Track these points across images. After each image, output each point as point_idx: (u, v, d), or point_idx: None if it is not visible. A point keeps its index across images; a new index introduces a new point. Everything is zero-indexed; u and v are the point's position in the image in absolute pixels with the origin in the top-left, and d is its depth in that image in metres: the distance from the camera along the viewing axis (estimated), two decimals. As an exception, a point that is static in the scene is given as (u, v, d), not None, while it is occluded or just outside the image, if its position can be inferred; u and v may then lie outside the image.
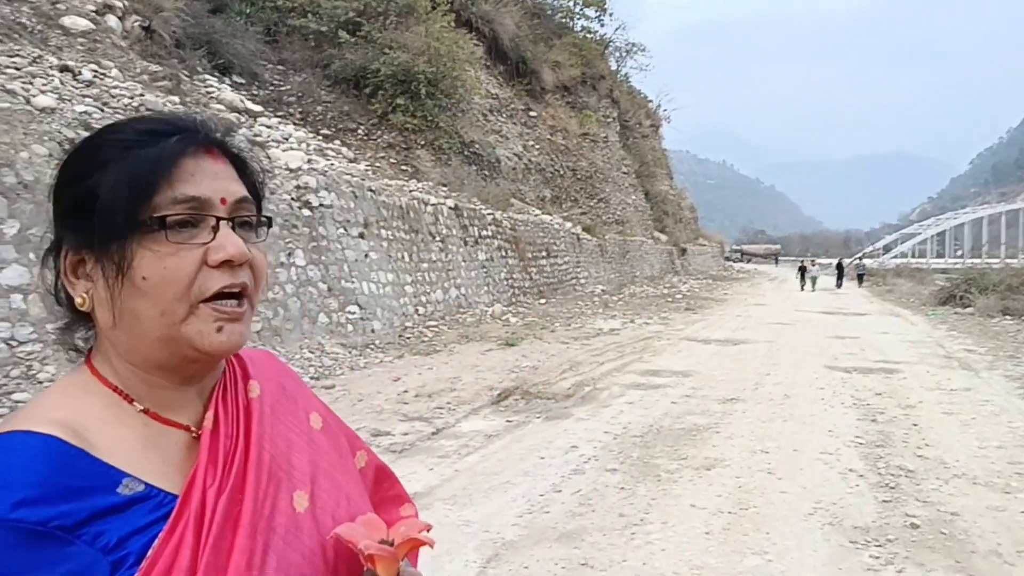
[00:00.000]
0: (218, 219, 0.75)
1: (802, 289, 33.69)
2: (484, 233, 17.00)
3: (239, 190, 0.78)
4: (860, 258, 55.10)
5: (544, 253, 20.76)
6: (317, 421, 0.90)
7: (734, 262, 71.08)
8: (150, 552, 0.67)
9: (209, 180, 0.75)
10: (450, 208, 15.56)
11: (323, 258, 10.82)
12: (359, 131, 18.09)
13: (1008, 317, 17.73)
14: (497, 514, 4.49)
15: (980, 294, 21.42)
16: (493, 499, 4.77)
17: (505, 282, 17.63)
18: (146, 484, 0.71)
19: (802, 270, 36.08)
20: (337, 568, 0.79)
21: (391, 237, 12.79)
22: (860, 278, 40.30)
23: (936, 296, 25.03)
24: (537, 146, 26.62)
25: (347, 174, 12.74)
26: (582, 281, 23.51)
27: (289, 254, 10.17)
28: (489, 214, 17.67)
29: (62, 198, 0.78)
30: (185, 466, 0.75)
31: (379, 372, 9.26)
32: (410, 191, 14.79)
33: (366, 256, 11.84)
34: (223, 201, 0.75)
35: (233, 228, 0.76)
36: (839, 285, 37.72)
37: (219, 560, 0.69)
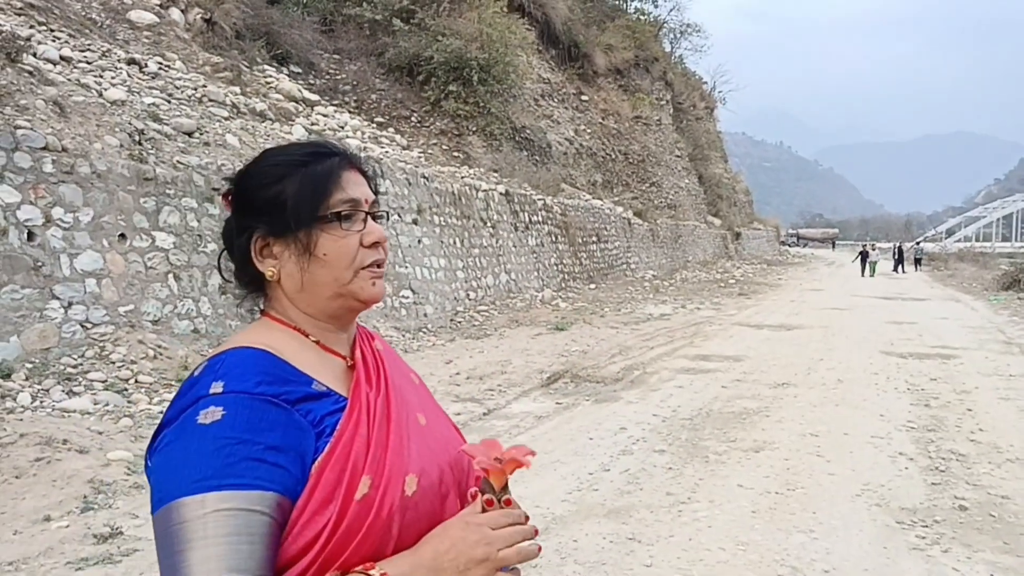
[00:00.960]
0: (367, 213, 1.05)
1: (863, 275, 32.01)
2: (534, 219, 17.11)
3: (372, 194, 1.08)
4: (919, 242, 53.47)
5: (594, 238, 20.78)
6: (415, 379, 1.19)
7: (790, 247, 69.75)
8: (339, 427, 0.94)
9: (357, 187, 1.05)
10: (501, 194, 15.71)
11: (378, 243, 11.08)
12: (412, 118, 18.33)
13: (1076, 302, 17.16)
14: (548, 491, 4.64)
15: (1047, 279, 20.70)
16: (544, 477, 4.92)
17: (555, 267, 17.74)
18: (327, 387, 0.99)
19: (863, 255, 34.30)
20: (453, 469, 1.06)
21: (443, 223, 13.01)
22: (918, 262, 39.19)
23: (999, 281, 24.28)
24: (588, 130, 26.54)
25: (401, 161, 12.98)
26: (632, 266, 23.46)
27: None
28: (539, 199, 17.77)
29: (250, 204, 1.04)
30: (346, 382, 1.03)
31: (432, 355, 9.49)
32: (462, 177, 14.98)
33: (419, 242, 12.08)
34: (367, 201, 1.05)
35: (372, 220, 1.06)
36: (897, 269, 36.71)
37: (382, 438, 0.97)
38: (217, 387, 0.90)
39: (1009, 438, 6.01)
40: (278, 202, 1.01)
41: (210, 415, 0.87)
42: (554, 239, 18.05)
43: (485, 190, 15.08)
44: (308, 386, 0.96)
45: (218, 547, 0.81)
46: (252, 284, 1.06)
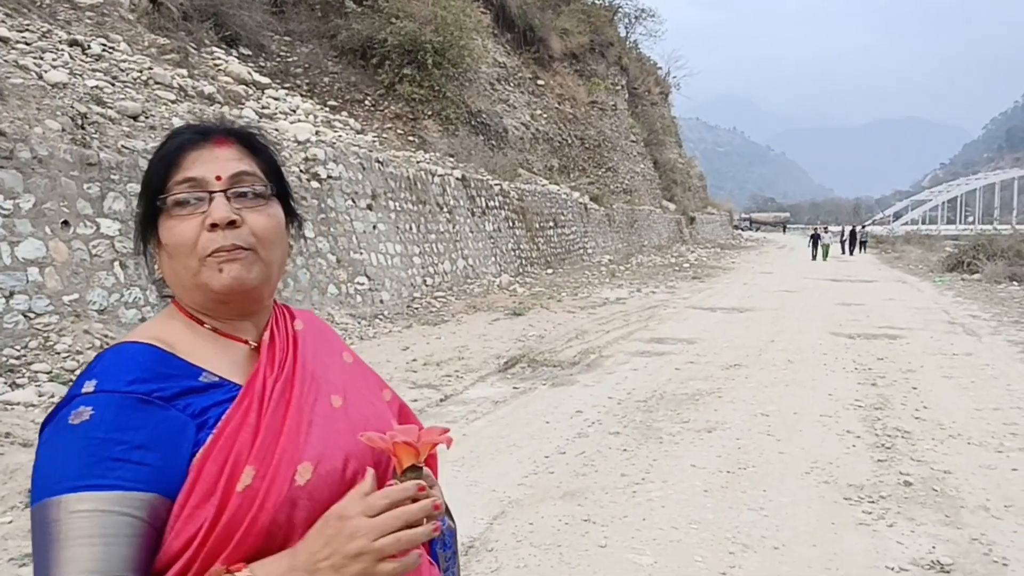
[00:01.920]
0: (210, 192, 0.95)
1: (814, 259, 31.91)
2: (491, 204, 17.08)
3: (238, 167, 0.98)
4: (864, 225, 54.55)
5: (551, 223, 20.83)
6: (348, 358, 1.13)
7: (743, 230, 70.86)
8: (225, 415, 0.91)
9: (208, 163, 0.96)
10: (457, 179, 15.64)
11: (332, 230, 10.95)
12: (366, 102, 18.11)
13: (1015, 283, 17.77)
14: (504, 475, 4.66)
15: (988, 260, 21.40)
16: (500, 461, 4.94)
17: (512, 252, 17.75)
18: (219, 377, 0.95)
19: (814, 238, 34.15)
20: (367, 453, 0.98)
21: (399, 208, 12.90)
22: (863, 244, 40.06)
23: (944, 263, 25.01)
24: (545, 115, 26.53)
25: (355, 145, 12.82)
26: (589, 251, 23.59)
27: (299, 226, 10.29)
28: (496, 184, 17.74)
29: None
30: (247, 368, 0.98)
31: (388, 342, 9.43)
32: (417, 162, 14.86)
33: (374, 227, 11.97)
34: (219, 178, 0.96)
35: (234, 198, 0.96)
36: (846, 252, 37.54)
37: (274, 424, 0.92)
38: (89, 386, 0.88)
39: (951, 415, 6.20)
40: (142, 193, 0.99)
41: (79, 415, 0.85)
42: (511, 224, 18.05)
43: (441, 175, 14.99)
44: (195, 378, 0.93)
45: (75, 549, 0.79)
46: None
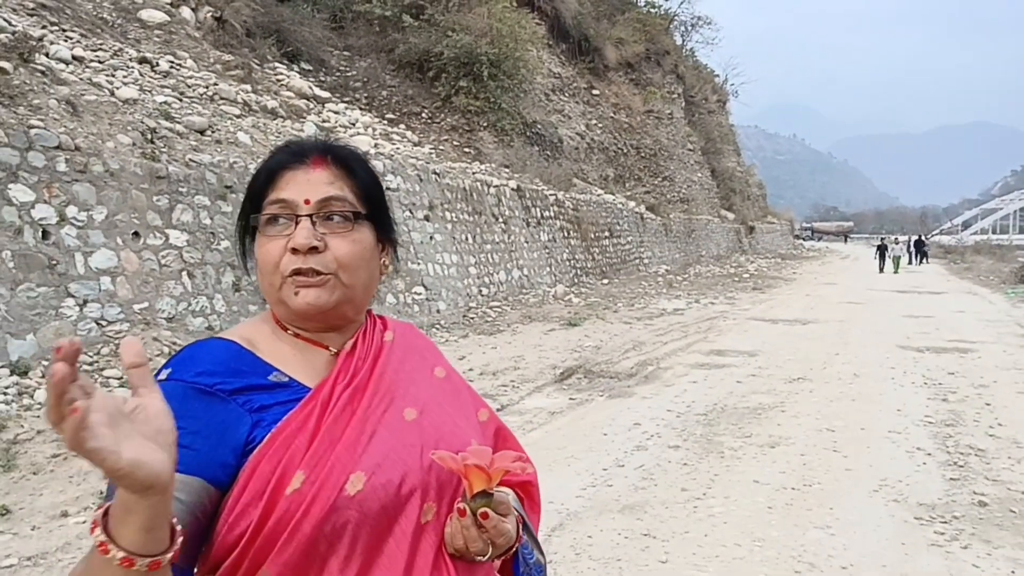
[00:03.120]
0: (297, 216, 0.98)
1: (881, 271, 29.64)
2: (546, 214, 17.08)
3: (329, 191, 1.00)
4: (926, 236, 52.42)
5: (607, 233, 20.71)
6: (440, 372, 1.13)
7: (804, 240, 69.34)
8: (286, 417, 0.93)
9: (299, 186, 0.99)
10: (512, 189, 15.69)
11: (390, 240, 11.08)
12: (423, 114, 18.32)
13: (1096, 295, 16.96)
14: (562, 487, 4.62)
15: (1066, 271, 20.48)
16: (557, 472, 4.90)
17: (567, 263, 17.70)
18: (290, 378, 0.98)
19: (881, 249, 31.35)
20: (431, 471, 0.98)
21: (455, 219, 12.99)
22: (924, 255, 38.17)
23: (1017, 274, 24.05)
24: (600, 125, 26.45)
25: (412, 157, 12.97)
26: (646, 261, 23.38)
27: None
28: (551, 195, 17.73)
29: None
30: (323, 374, 1.00)
31: (444, 351, 9.37)
32: (473, 173, 14.96)
33: (431, 238, 12.07)
34: (307, 202, 0.98)
35: (317, 220, 0.98)
36: (913, 262, 36.31)
37: (335, 431, 0.94)
38: (163, 375, 0.93)
39: (1029, 432, 5.94)
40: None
41: None
42: (566, 234, 18.01)
43: (496, 186, 15.05)
44: (263, 376, 0.96)
45: None
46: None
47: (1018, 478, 4.85)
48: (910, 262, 36.43)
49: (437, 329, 10.80)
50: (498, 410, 6.58)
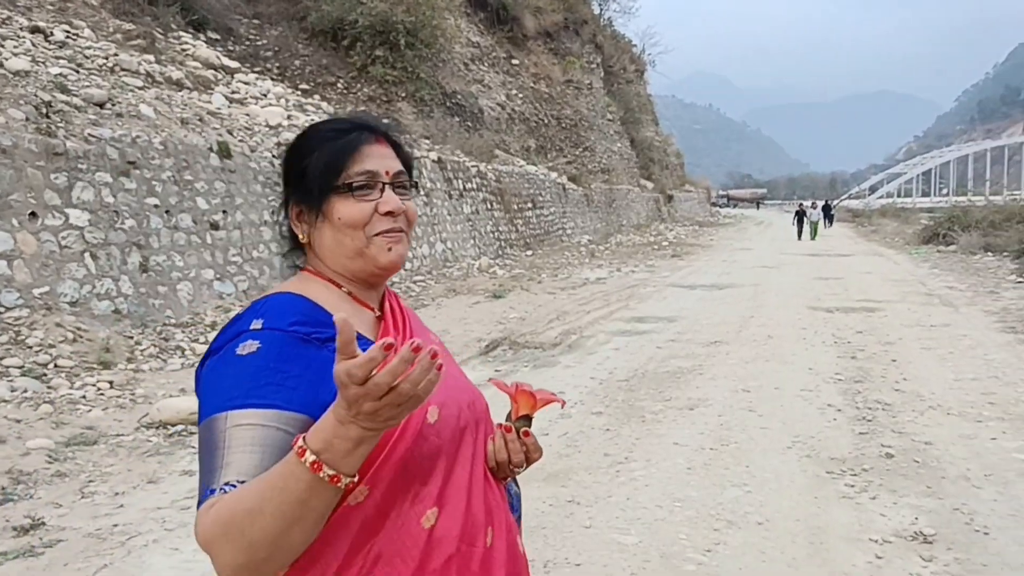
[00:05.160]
0: (383, 184, 1.14)
1: (799, 237, 29.03)
2: (469, 186, 16.97)
3: (397, 165, 1.17)
4: (832, 201, 54.17)
5: (530, 204, 20.74)
6: (435, 339, 1.27)
7: (720, 207, 71.08)
8: None
9: (377, 159, 1.14)
10: (433, 161, 15.50)
11: (307, 215, 10.81)
12: (338, 84, 17.86)
13: (990, 254, 17.96)
14: (486, 458, 4.62)
15: (963, 232, 21.61)
16: (482, 444, 4.90)
17: (491, 235, 17.67)
18: (357, 332, 1.02)
19: (799, 215, 31.01)
20: (471, 408, 1.17)
21: (375, 192, 12.76)
22: (831, 218, 38.99)
23: (920, 235, 25.25)
24: (520, 95, 26.34)
25: (328, 129, 12.62)
26: (568, 232, 23.54)
27: (272, 212, 10.15)
28: (473, 166, 17.61)
29: (289, 172, 1.18)
30: (374, 332, 1.15)
31: (368, 326, 9.34)
32: (393, 145, 14.70)
33: (351, 212, 11.83)
34: (387, 173, 1.15)
35: (393, 190, 1.14)
36: (823, 225, 37.51)
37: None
38: (257, 324, 1.03)
39: (931, 386, 6.25)
40: (305, 174, 1.14)
41: (247, 347, 1.01)
42: (489, 206, 17.95)
43: (417, 157, 14.79)
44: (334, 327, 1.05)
45: (236, 455, 0.93)
46: (295, 244, 1.20)
47: (921, 430, 5.09)
48: (824, 226, 37.64)
49: (359, 305, 10.64)
50: (422, 384, 6.54)
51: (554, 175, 23.93)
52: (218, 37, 15.93)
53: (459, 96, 21.15)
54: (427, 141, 17.34)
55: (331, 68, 17.96)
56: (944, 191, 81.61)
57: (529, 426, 1.10)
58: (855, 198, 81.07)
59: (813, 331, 8.93)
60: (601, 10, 39.59)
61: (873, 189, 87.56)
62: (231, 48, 15.98)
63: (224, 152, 9.73)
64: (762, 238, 31.19)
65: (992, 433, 4.96)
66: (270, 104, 13.07)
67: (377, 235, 1.12)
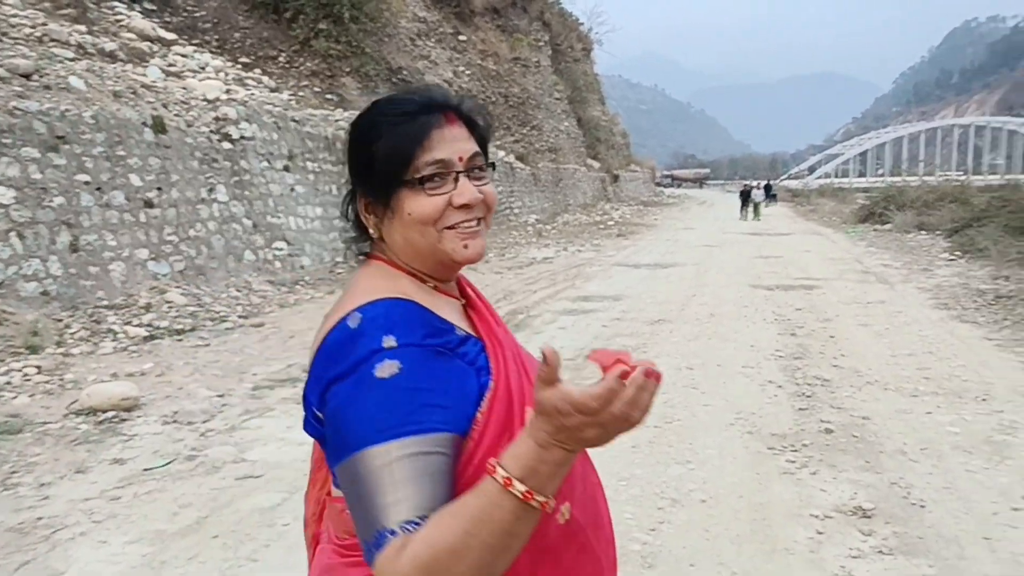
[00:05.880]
0: (457, 173, 1.05)
1: (744, 218, 29.11)
2: (415, 163, 16.74)
3: (471, 147, 1.07)
4: (770, 181, 55.33)
5: (477, 182, 20.58)
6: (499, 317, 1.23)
7: (665, 187, 71.79)
8: (492, 364, 1.02)
9: (449, 144, 1.05)
10: (378, 138, 15.24)
11: (246, 193, 10.53)
12: (280, 58, 17.38)
13: (923, 232, 18.52)
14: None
15: (898, 211, 22.25)
16: (427, 425, 4.84)
17: (438, 212, 17.50)
18: (464, 331, 1.06)
19: (744, 195, 31.01)
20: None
21: (318, 169, 12.50)
22: (773, 197, 39.69)
23: (856, 214, 25.91)
24: (468, 72, 26.07)
25: (269, 104, 12.32)
26: (516, 211, 23.48)
27: (210, 190, 9.86)
28: (419, 144, 17.37)
29: (353, 159, 1.10)
30: (466, 322, 1.10)
31: (309, 308, 9.17)
32: (336, 120, 14.39)
33: (292, 190, 11.57)
34: (460, 159, 1.05)
35: (468, 175, 1.06)
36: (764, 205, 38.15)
37: (516, 363, 1.05)
38: (390, 341, 0.95)
39: (868, 362, 6.40)
40: (371, 163, 1.05)
41: (387, 368, 0.93)
42: (435, 184, 17.75)
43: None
44: (453, 332, 1.03)
45: (406, 489, 0.87)
46: (361, 229, 1.13)
47: (859, 405, 5.21)
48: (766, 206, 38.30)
49: (302, 286, 10.43)
50: (366, 365, 6.44)
51: (501, 154, 23.79)
52: (154, 8, 15.32)
53: (405, 72, 20.82)
54: (372, 118, 16.99)
55: (272, 41, 17.46)
56: (880, 171, 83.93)
57: None
58: (795, 178, 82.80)
59: (754, 309, 9.08)
60: (549, -13, 39.32)
61: (812, 169, 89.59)
62: (168, 19, 15.38)
63: (159, 127, 9.38)
64: (705, 217, 31.63)
65: (927, 407, 5.10)
66: (208, 78, 12.65)
67: (450, 228, 1.05)
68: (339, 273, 11.60)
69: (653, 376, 0.81)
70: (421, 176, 1.03)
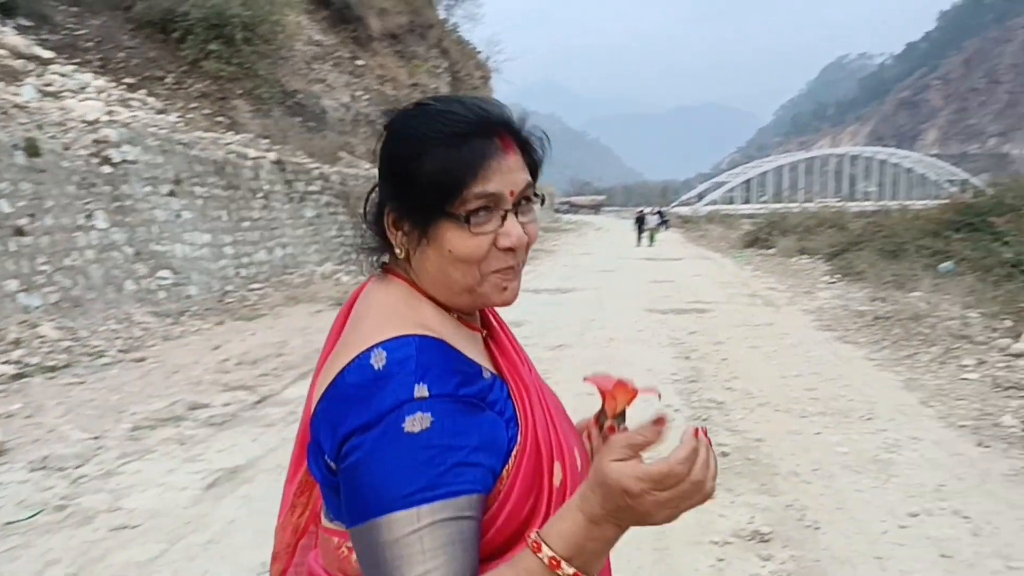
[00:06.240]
0: (506, 211, 0.94)
1: (639, 244, 29.45)
2: (311, 188, 16.36)
3: (524, 178, 0.96)
4: (661, 208, 57.45)
5: (375, 208, 20.31)
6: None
7: (563, 214, 73.13)
8: (520, 414, 0.94)
9: (502, 176, 0.93)
10: (272, 162, 14.82)
11: (128, 219, 9.98)
12: (167, 79, 16.71)
13: (805, 256, 19.46)
14: (326, 478, 4.37)
15: (781, 236, 23.35)
16: (322, 463, 4.64)
17: (335, 240, 17.13)
18: (491, 372, 0.97)
19: (639, 221, 31.55)
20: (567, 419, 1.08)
21: (207, 194, 12.01)
22: (665, 223, 41.16)
23: (743, 239, 27.02)
24: (366, 96, 25.81)
25: (154, 126, 11.78)
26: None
27: (88, 216, 9.29)
28: (316, 168, 17.01)
29: (386, 172, 0.98)
30: (487, 357, 1.01)
31: (197, 341, 8.74)
32: (226, 144, 13.92)
33: (178, 216, 11.06)
34: (511, 193, 0.94)
35: (516, 209, 0.95)
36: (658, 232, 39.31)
37: (556, 419, 1.00)
38: (421, 390, 0.85)
39: (759, 384, 6.60)
40: (411, 181, 0.93)
41: (418, 422, 0.84)
42: (333, 210, 17.40)
43: (254, 158, 14.13)
44: (480, 376, 0.94)
45: (436, 559, 0.79)
46: (384, 243, 1.02)
47: (752, 427, 5.34)
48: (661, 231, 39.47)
49: (188, 317, 9.94)
50: (258, 402, 6.17)
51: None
52: (31, 24, 14.45)
53: (301, 95, 20.42)
54: (265, 141, 16.57)
55: (160, 62, 16.77)
56: (763, 198, 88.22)
57: (624, 422, 1.00)
58: (684, 205, 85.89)
59: (650, 333, 9.25)
60: (447, 15, 39.64)
61: (701, 197, 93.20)
62: (46, 37, 14.53)
63: (32, 150, 8.78)
64: (601, 243, 32.30)
65: (816, 428, 5.28)
66: (89, 98, 12.00)
67: (494, 273, 0.95)
68: (229, 303, 11.13)
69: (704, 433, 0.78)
70: (468, 212, 0.92)
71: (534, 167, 1.00)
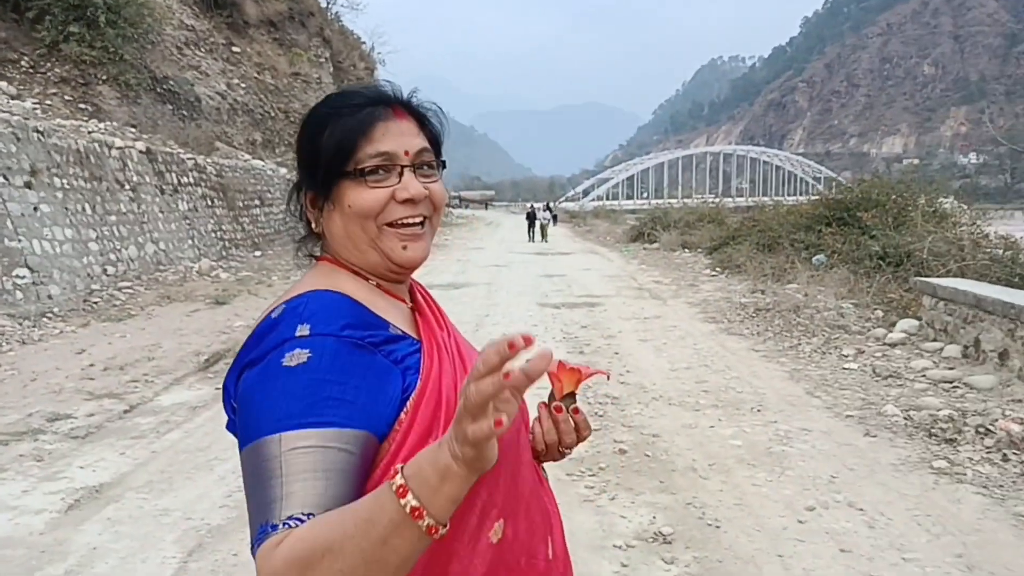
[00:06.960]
0: (402, 167, 1.01)
1: (531, 239, 29.60)
2: (185, 180, 15.46)
3: (419, 143, 1.04)
4: (550, 203, 58.19)
5: (257, 202, 19.47)
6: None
7: (454, 208, 72.83)
8: (423, 364, 0.96)
9: (395, 137, 1.01)
10: (141, 152, 13.89)
11: (-23, 212, 9.06)
12: (22, 63, 15.41)
13: (687, 250, 20.05)
14: (202, 497, 4.02)
15: (664, 231, 23.99)
16: (197, 481, 4.27)
17: (213, 234, 16.28)
18: (401, 330, 1.00)
19: (531, 217, 31.51)
20: None
21: (67, 186, 11.09)
22: (554, 218, 41.44)
23: (628, 234, 27.63)
24: (243, 85, 24.71)
25: (6, 112, 10.77)
26: (301, 231, 22.49)
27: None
28: (190, 159, 16.09)
29: (301, 153, 1.07)
30: (412, 325, 1.04)
31: (58, 345, 8.02)
32: (89, 132, 12.92)
33: (35, 209, 10.15)
34: (406, 153, 1.02)
35: (415, 171, 1.02)
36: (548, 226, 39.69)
37: (455, 368, 1.00)
38: (303, 330, 0.91)
39: (651, 377, 6.63)
40: (317, 154, 1.02)
41: (296, 357, 0.88)
42: (210, 203, 16.51)
43: (121, 147, 13.18)
44: (386, 330, 0.97)
45: (297, 483, 0.80)
46: (311, 230, 1.09)
47: (648, 422, 5.33)
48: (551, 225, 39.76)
49: (49, 319, 9.13)
50: (127, 411, 5.69)
51: (283, 171, 22.72)
52: None
53: (172, 82, 19.29)
54: (133, 130, 15.54)
55: (13, 44, 15.43)
56: (645, 195, 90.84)
57: (575, 402, 1.05)
58: (571, 200, 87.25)
59: (544, 327, 9.21)
60: (328, 4, 38.54)
61: (586, 192, 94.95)
62: None
63: None
64: (492, 238, 32.28)
65: (710, 421, 5.32)
66: (-76, 78, 10.84)
67: (390, 225, 1.01)
68: (95, 303, 10.32)
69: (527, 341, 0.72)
70: (363, 168, 1.00)
71: (435, 141, 1.08)
